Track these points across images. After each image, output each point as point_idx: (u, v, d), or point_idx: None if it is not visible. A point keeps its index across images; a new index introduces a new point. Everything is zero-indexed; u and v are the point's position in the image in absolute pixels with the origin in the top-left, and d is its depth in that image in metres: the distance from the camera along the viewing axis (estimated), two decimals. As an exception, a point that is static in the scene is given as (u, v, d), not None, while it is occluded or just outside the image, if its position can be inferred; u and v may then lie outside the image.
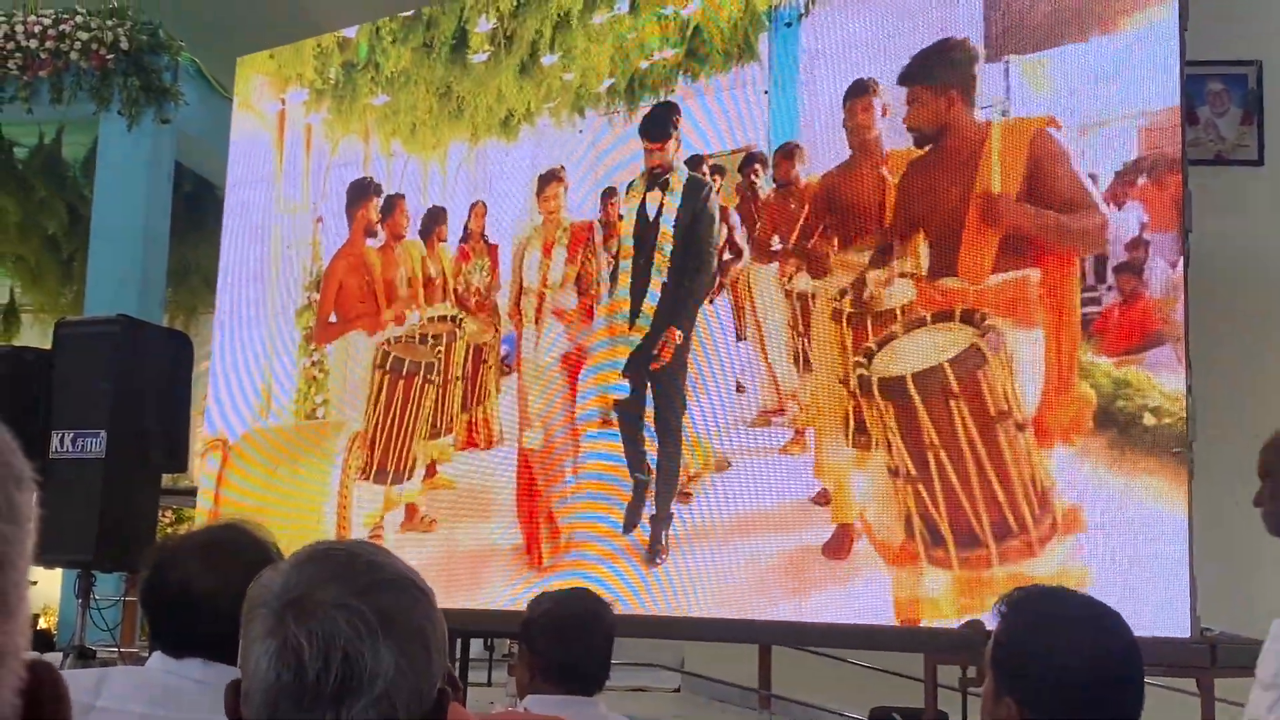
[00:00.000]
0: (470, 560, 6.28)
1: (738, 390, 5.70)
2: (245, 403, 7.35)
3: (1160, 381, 4.62)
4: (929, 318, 5.10)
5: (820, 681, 7.18)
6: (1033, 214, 4.93)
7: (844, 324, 5.35)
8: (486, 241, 6.68)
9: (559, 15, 6.46)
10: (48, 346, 5.76)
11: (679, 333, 5.88)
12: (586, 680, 2.93)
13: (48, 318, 11.30)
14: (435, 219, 6.85)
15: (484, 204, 6.73)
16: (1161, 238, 4.70)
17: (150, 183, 10.46)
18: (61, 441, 5.41)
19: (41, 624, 10.02)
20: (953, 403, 4.96)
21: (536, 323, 6.45)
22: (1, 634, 0.73)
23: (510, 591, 6.09)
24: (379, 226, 7.07)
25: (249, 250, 7.61)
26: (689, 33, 6.05)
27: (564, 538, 6.08)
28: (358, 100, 7.27)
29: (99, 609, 5.72)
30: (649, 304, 5.98)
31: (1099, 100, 4.89)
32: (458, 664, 6.61)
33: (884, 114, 5.36)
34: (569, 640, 2.92)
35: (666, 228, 6.00)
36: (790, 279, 5.65)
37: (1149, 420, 4.60)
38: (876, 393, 5.17)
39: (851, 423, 5.25)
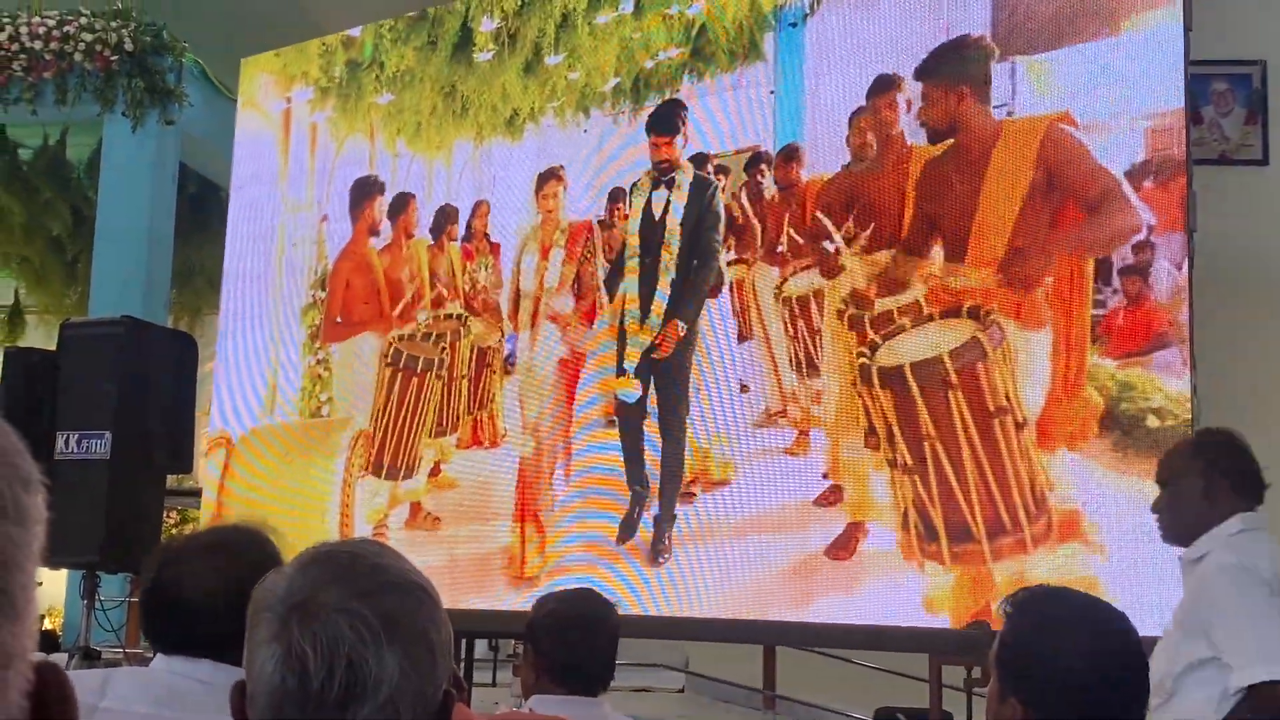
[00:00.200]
0: (475, 560, 6.29)
1: (741, 390, 5.71)
2: (250, 401, 7.37)
3: (1164, 384, 4.61)
4: (937, 314, 5.10)
5: (825, 682, 7.18)
6: (1049, 213, 4.92)
7: (851, 325, 5.35)
8: (489, 240, 6.69)
9: (564, 15, 6.46)
10: (53, 348, 5.76)
11: (681, 324, 5.87)
12: (591, 681, 2.93)
13: (52, 319, 11.30)
14: (446, 218, 6.85)
15: (488, 203, 6.73)
16: (1167, 239, 4.70)
17: (155, 184, 10.46)
18: (66, 443, 5.41)
19: (46, 625, 10.03)
20: (951, 394, 4.97)
21: (533, 327, 6.44)
22: (9, 636, 0.73)
23: (515, 597, 6.10)
24: (382, 224, 7.07)
25: (253, 250, 7.62)
26: (694, 32, 6.05)
27: (560, 543, 6.08)
28: (363, 99, 7.28)
29: (104, 610, 5.72)
30: (658, 302, 5.98)
31: (1104, 101, 4.89)
32: (462, 664, 6.62)
33: (908, 109, 5.35)
34: (573, 641, 2.93)
35: (673, 226, 6.00)
36: (793, 279, 5.65)
37: (1152, 422, 4.60)
38: (876, 382, 5.17)
39: (862, 422, 5.25)
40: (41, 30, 10.29)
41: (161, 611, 2.04)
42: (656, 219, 6.07)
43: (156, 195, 10.49)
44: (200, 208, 11.44)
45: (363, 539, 1.50)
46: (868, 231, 5.36)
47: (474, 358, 6.58)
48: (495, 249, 6.66)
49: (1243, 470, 3.26)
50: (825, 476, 5.36)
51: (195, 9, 10.74)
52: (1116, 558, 4.59)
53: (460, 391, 6.58)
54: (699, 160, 5.99)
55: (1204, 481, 3.22)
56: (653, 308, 5.99)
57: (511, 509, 6.25)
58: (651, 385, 5.97)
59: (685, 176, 6.03)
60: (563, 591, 3.23)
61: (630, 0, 6.26)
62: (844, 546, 5.17)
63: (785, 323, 5.61)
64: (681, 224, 5.98)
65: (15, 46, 10.31)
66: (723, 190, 5.90)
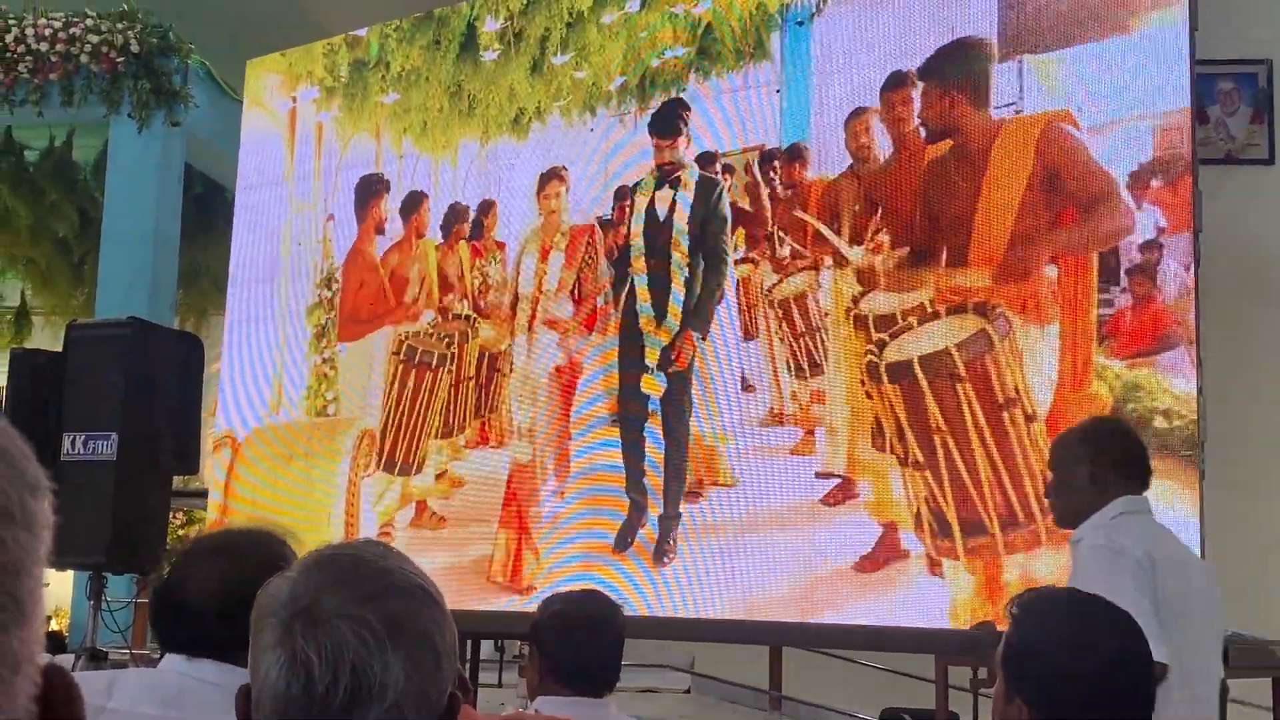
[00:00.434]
0: (480, 560, 6.29)
1: (745, 389, 5.70)
2: (255, 400, 7.38)
3: (1171, 384, 4.61)
4: (943, 311, 5.10)
5: (831, 683, 7.17)
6: (1050, 210, 4.92)
7: (858, 325, 5.35)
8: (494, 240, 6.69)
9: (570, 14, 6.46)
10: (59, 349, 5.76)
11: (695, 335, 5.87)
12: (597, 682, 2.92)
13: (59, 320, 11.31)
14: (457, 216, 6.85)
15: (494, 202, 6.73)
16: (1174, 240, 4.69)
17: (160, 185, 10.47)
18: (73, 444, 5.41)
19: (53, 626, 10.04)
20: (960, 386, 4.97)
21: (530, 331, 6.43)
22: (17, 641, 0.73)
23: (519, 598, 6.10)
24: (388, 223, 7.07)
25: (259, 249, 7.63)
26: (700, 31, 6.05)
27: (562, 543, 6.08)
28: (368, 98, 7.29)
29: (110, 611, 5.71)
30: (673, 305, 5.97)
31: (1111, 100, 4.89)
32: (468, 665, 6.62)
33: (912, 107, 5.35)
34: (579, 642, 2.92)
35: (680, 226, 6.00)
36: (785, 282, 5.65)
37: (1160, 423, 4.59)
38: (885, 378, 5.17)
39: (870, 421, 5.25)
40: (47, 32, 10.30)
41: (168, 612, 2.05)
42: (662, 219, 6.07)
43: (162, 196, 10.50)
44: (206, 209, 11.44)
45: (366, 540, 1.50)
46: (875, 231, 5.36)
47: (483, 361, 6.57)
48: (501, 248, 6.67)
49: (1128, 456, 3.34)
50: (830, 475, 5.36)
51: (201, 11, 10.75)
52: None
53: (468, 394, 6.58)
54: (706, 159, 5.98)
55: (1090, 467, 3.30)
56: (668, 309, 5.98)
57: (505, 513, 6.26)
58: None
59: (690, 177, 6.02)
60: (568, 592, 3.23)
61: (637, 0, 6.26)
62: (872, 559, 5.14)
63: (778, 325, 5.62)
64: (690, 225, 5.98)
65: (21, 48, 10.32)
66: (728, 189, 5.89)
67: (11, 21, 10.39)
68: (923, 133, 5.28)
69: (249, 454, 7.30)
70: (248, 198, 7.81)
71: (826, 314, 5.53)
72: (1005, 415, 4.87)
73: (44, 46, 10.28)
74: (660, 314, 6.00)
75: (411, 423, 6.70)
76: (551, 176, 6.51)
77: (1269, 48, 7.34)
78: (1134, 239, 4.78)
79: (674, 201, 6.04)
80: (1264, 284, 6.91)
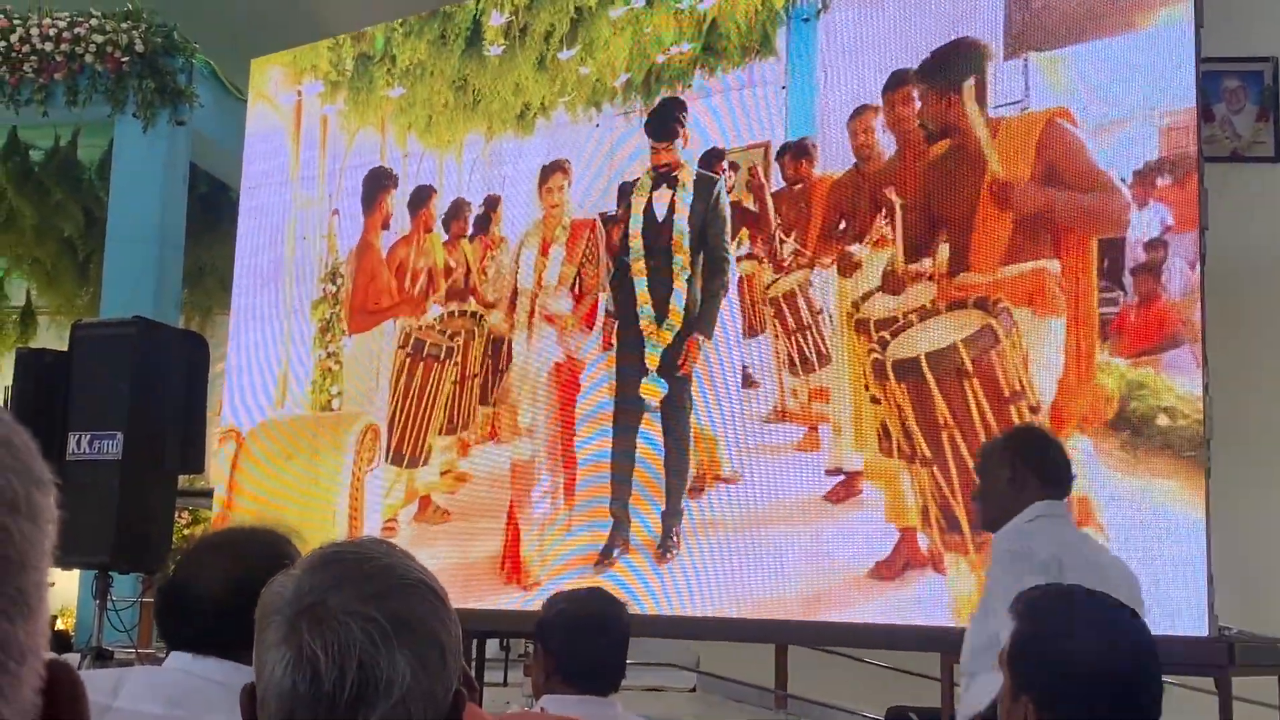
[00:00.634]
0: (485, 558, 6.29)
1: (749, 385, 5.69)
2: (260, 395, 7.39)
3: (1175, 383, 4.60)
4: (944, 307, 5.10)
5: (837, 681, 7.16)
6: (1048, 200, 4.92)
7: (858, 326, 5.35)
8: (499, 235, 6.69)
9: (576, 9, 6.46)
10: (64, 349, 5.77)
11: (701, 339, 5.87)
12: (602, 680, 2.92)
13: (64, 320, 11.33)
14: (459, 211, 6.85)
15: (500, 198, 6.73)
16: (1180, 238, 4.68)
17: (165, 184, 10.49)
18: (78, 443, 5.43)
19: (59, 625, 10.06)
20: (966, 382, 4.97)
21: (529, 327, 6.42)
22: (24, 634, 0.73)
23: (524, 596, 6.10)
24: (394, 217, 7.07)
25: (264, 245, 7.64)
26: (706, 27, 6.04)
27: (566, 535, 6.08)
28: (374, 92, 7.29)
29: (116, 610, 5.73)
30: (674, 306, 5.97)
31: (1116, 98, 4.88)
32: (473, 664, 6.62)
33: (914, 106, 5.34)
34: (584, 640, 2.92)
35: (681, 226, 5.99)
36: (781, 279, 5.65)
37: (1163, 421, 4.59)
38: (891, 376, 5.17)
39: (875, 420, 5.24)
40: (52, 32, 10.32)
41: (172, 609, 2.07)
42: (660, 220, 6.06)
43: (167, 195, 10.52)
44: (211, 208, 11.46)
45: (370, 538, 1.50)
46: (878, 229, 5.36)
47: (490, 352, 6.56)
48: (505, 243, 6.67)
49: (1048, 462, 3.43)
50: (837, 471, 5.36)
51: (205, 10, 10.76)
52: (1128, 554, 4.57)
53: (472, 390, 6.58)
54: (712, 156, 5.97)
55: (1011, 472, 3.39)
56: (669, 311, 5.97)
57: (507, 511, 6.26)
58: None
59: (689, 176, 6.02)
60: (572, 590, 3.22)
61: (642, -5, 6.26)
62: (890, 564, 5.13)
63: (776, 322, 5.62)
64: (689, 225, 5.98)
65: (26, 48, 10.34)
66: (731, 187, 5.89)
67: (16, 21, 10.41)
68: (923, 131, 5.28)
69: (253, 449, 7.30)
70: (252, 195, 7.81)
71: (819, 311, 5.52)
72: (1011, 409, 4.87)
73: (49, 46, 10.30)
74: (660, 316, 5.99)
75: (418, 417, 6.71)
76: (554, 169, 6.51)
77: (1275, 45, 7.33)
78: (1139, 237, 4.77)
79: (673, 202, 6.03)
80: (1270, 282, 6.90)
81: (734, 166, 5.89)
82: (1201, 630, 4.37)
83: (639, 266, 6.09)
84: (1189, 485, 4.50)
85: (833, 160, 5.59)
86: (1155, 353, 4.67)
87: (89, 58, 10.26)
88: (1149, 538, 4.52)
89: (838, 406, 5.39)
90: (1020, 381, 4.87)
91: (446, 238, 6.85)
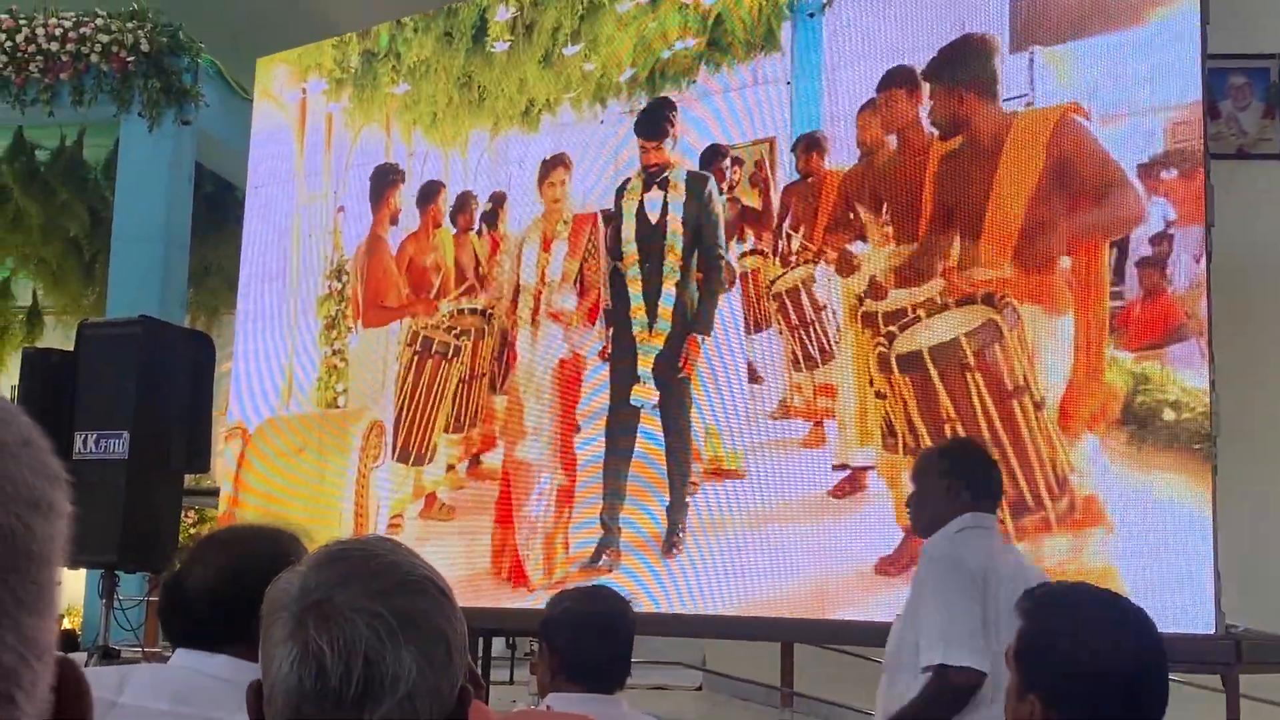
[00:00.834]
0: (491, 556, 6.29)
1: (754, 381, 5.69)
2: (267, 393, 7.39)
3: (1180, 376, 4.59)
4: (953, 303, 5.10)
5: (843, 679, 7.15)
6: (1061, 201, 4.90)
7: (866, 321, 5.34)
8: (505, 232, 6.69)
9: (582, 5, 6.45)
10: (70, 348, 5.78)
11: (700, 338, 5.86)
12: (608, 678, 2.92)
13: (70, 320, 11.35)
14: (464, 204, 6.84)
15: (504, 194, 6.72)
16: (1185, 232, 4.67)
17: (171, 184, 10.51)
18: (85, 443, 5.43)
19: (66, 624, 10.08)
20: (969, 375, 4.97)
21: (533, 324, 6.41)
22: (42, 631, 0.75)
23: (529, 594, 6.11)
24: (403, 213, 7.07)
25: (270, 243, 7.65)
26: (711, 22, 6.03)
27: (573, 528, 6.08)
28: (378, 89, 7.29)
29: (122, 609, 5.74)
30: (664, 307, 5.96)
31: (1123, 92, 4.87)
32: (479, 662, 6.62)
33: (922, 101, 5.33)
34: (589, 638, 2.92)
35: (675, 226, 5.98)
36: (787, 274, 5.64)
37: (1169, 415, 4.58)
38: (895, 369, 5.18)
39: (881, 414, 5.24)
40: (58, 31, 10.33)
41: (169, 604, 2.09)
42: (654, 222, 6.05)
43: (173, 195, 10.54)
44: (216, 207, 11.47)
45: (375, 536, 1.50)
46: (886, 224, 5.35)
47: (498, 350, 6.55)
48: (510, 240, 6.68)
49: (981, 475, 3.58)
50: (843, 467, 5.35)
51: (210, 10, 10.77)
52: (1134, 550, 4.57)
53: (481, 388, 6.57)
54: (713, 153, 5.97)
55: (946, 482, 3.52)
56: (659, 310, 5.97)
57: (514, 510, 6.26)
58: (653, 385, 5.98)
59: (679, 176, 6.01)
60: (577, 588, 3.23)
61: (647, -9, 6.26)
62: (894, 562, 5.13)
63: (780, 317, 5.61)
64: (684, 223, 5.97)
65: (32, 48, 10.35)
66: (737, 183, 5.88)
67: (22, 21, 10.43)
68: (934, 129, 5.27)
69: (259, 447, 7.31)
70: (257, 194, 7.82)
71: (824, 307, 5.52)
72: (1015, 404, 4.87)
73: (54, 46, 10.32)
74: (651, 318, 5.98)
75: (425, 414, 6.71)
76: (556, 164, 6.50)
77: (1281, 41, 7.31)
78: (1144, 231, 4.76)
79: (665, 202, 6.02)
80: (1276, 280, 6.88)
81: (738, 162, 5.89)
82: (1208, 628, 4.36)
83: (633, 273, 6.08)
84: (1195, 481, 4.49)
85: (839, 154, 5.58)
86: (1161, 346, 4.66)
87: (94, 57, 10.28)
88: (1155, 534, 4.52)
89: (843, 402, 5.39)
90: (1024, 376, 4.87)
91: (455, 232, 6.84)
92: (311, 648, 1.19)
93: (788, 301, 5.61)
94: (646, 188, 6.10)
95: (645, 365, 5.98)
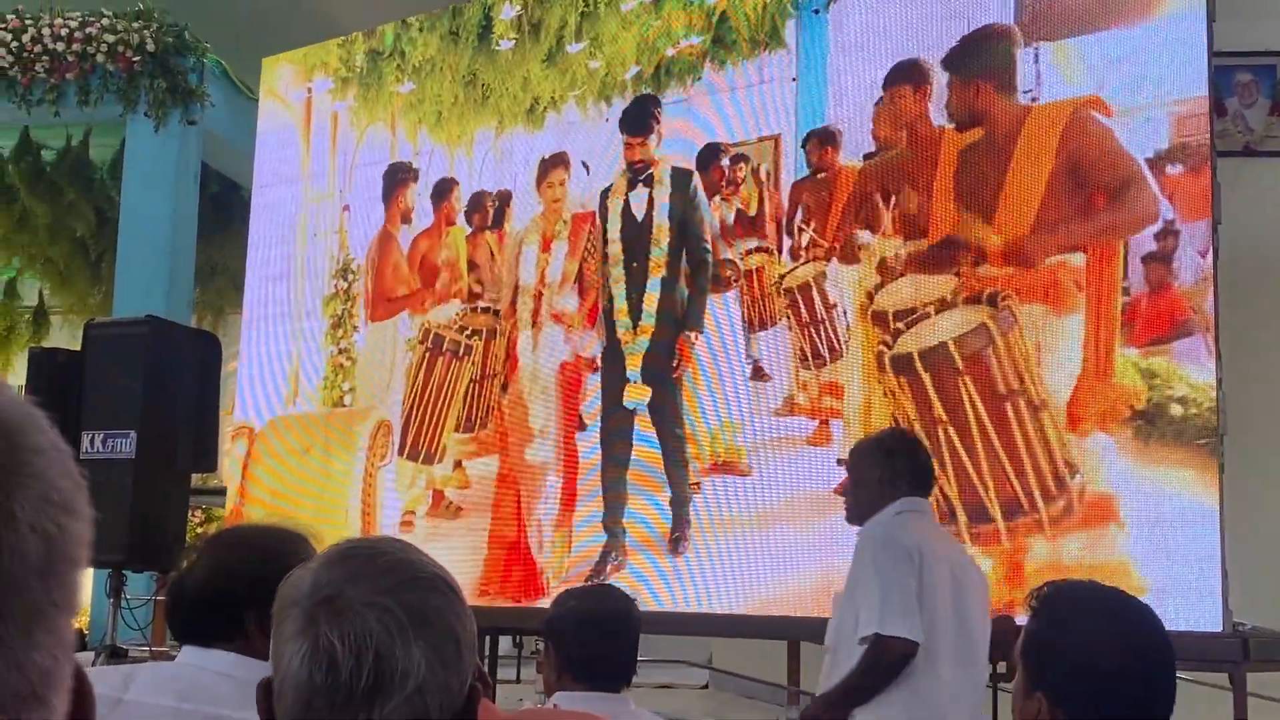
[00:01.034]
0: (498, 555, 6.29)
1: (759, 379, 5.68)
2: (272, 392, 7.40)
3: (1187, 372, 4.59)
4: (961, 301, 5.09)
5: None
6: (1078, 196, 4.89)
7: (875, 319, 5.33)
8: (510, 230, 6.69)
9: (586, 3, 6.44)
10: (77, 348, 5.79)
11: (691, 335, 5.85)
12: (614, 677, 2.91)
13: (77, 319, 11.36)
14: (478, 204, 6.83)
15: (509, 192, 6.72)
16: (1191, 227, 4.66)
17: (177, 184, 10.51)
18: (92, 442, 5.44)
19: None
20: (959, 379, 4.97)
21: (534, 326, 6.40)
22: (69, 628, 0.76)
23: (535, 594, 6.11)
24: (415, 211, 7.06)
25: (276, 240, 7.65)
26: (715, 19, 6.03)
27: (578, 523, 6.08)
28: (383, 88, 7.29)
29: (130, 608, 5.76)
30: (649, 305, 5.95)
31: (1128, 88, 4.86)
32: (486, 661, 6.62)
33: (932, 96, 5.32)
34: (594, 637, 2.91)
35: (660, 223, 5.97)
36: (798, 269, 5.63)
37: (1176, 411, 4.57)
38: (889, 370, 5.18)
39: (884, 413, 5.23)
40: (64, 31, 10.34)
41: (171, 603, 2.12)
42: (640, 220, 6.04)
43: (179, 195, 10.54)
44: (222, 207, 11.48)
45: (385, 536, 1.51)
46: (899, 220, 5.34)
47: (509, 351, 6.55)
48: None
49: (916, 465, 3.78)
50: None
51: (216, 10, 10.77)
52: (1142, 547, 4.57)
53: (492, 388, 6.57)
54: (710, 152, 5.96)
55: (880, 471, 3.73)
56: (644, 308, 5.96)
57: (519, 512, 6.26)
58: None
59: (664, 172, 6.01)
60: (583, 587, 3.23)
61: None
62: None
63: (790, 313, 5.60)
64: (669, 218, 5.96)
65: (38, 48, 10.36)
66: (742, 179, 5.87)
67: (28, 21, 10.43)
68: (950, 122, 5.24)
69: (265, 445, 7.32)
70: (263, 193, 7.82)
71: (834, 304, 5.50)
72: (1008, 406, 4.86)
73: (60, 46, 10.32)
74: (635, 318, 5.98)
75: (435, 412, 6.70)
76: (554, 164, 6.49)
77: (1287, 39, 7.30)
78: (1151, 226, 4.75)
79: (651, 199, 6.02)
80: (1281, 275, 6.88)
81: (744, 159, 5.88)
82: (1216, 625, 4.36)
83: (617, 273, 6.08)
84: (1203, 477, 4.49)
85: (847, 150, 5.57)
86: (1167, 341, 4.66)
87: (100, 57, 10.28)
88: (1164, 532, 4.51)
89: (850, 399, 5.38)
90: (1022, 378, 4.86)
91: (471, 229, 6.83)
92: (322, 642, 1.19)
93: (799, 298, 5.59)
94: (631, 186, 6.10)
95: (634, 366, 5.97)
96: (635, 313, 5.98)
